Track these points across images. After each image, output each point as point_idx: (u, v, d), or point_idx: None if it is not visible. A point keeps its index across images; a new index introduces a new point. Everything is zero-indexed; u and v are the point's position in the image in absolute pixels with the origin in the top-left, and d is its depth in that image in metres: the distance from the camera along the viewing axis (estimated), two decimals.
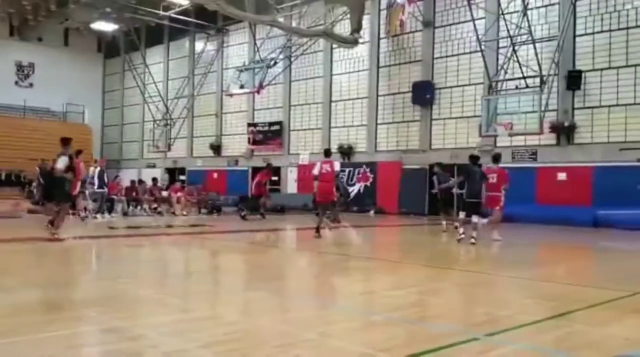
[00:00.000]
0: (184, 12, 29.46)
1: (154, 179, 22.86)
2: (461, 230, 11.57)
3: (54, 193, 11.80)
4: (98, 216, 17.30)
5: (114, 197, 19.35)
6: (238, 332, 4.47)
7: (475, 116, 20.95)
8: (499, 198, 11.89)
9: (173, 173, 32.52)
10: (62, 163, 10.81)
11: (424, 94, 22.71)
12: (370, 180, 24.44)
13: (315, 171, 12.32)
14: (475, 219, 11.38)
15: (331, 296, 6.52)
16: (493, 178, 11.86)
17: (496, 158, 12.39)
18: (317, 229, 12.17)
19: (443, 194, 14.61)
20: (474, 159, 12.13)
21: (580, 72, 18.83)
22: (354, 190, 24.75)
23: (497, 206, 12.01)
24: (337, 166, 12.62)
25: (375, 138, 24.67)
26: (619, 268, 9.12)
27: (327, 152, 13.12)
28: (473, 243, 11.01)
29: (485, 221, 12.19)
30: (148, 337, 4.22)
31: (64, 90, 35.58)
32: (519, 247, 12.30)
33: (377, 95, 24.74)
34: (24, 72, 36.05)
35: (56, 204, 11.64)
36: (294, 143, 28.00)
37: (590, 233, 15.63)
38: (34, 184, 22.42)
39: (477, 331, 4.52)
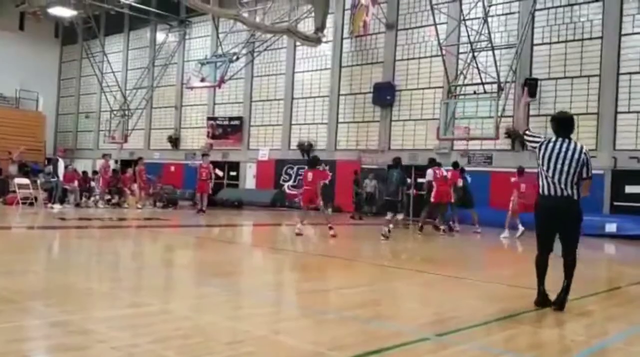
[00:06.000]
0: (146, 2, 28.93)
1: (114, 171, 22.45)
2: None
3: None
4: (49, 205, 16.90)
5: (67, 187, 18.91)
6: (189, 328, 4.42)
7: (434, 119, 21.23)
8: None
9: (129, 165, 31.92)
10: None
11: (384, 95, 22.91)
12: (329, 178, 24.47)
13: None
14: (389, 216, 12.72)
15: (284, 293, 6.51)
16: None
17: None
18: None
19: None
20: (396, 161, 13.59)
21: (536, 80, 19.30)
22: None
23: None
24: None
25: (335, 137, 24.76)
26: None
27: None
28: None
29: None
30: (96, 332, 4.13)
31: (18, 75, 34.43)
32: (469, 249, 12.52)
33: (339, 95, 24.83)
34: None
35: None
36: (253, 139, 27.85)
37: None
38: None
39: (428, 331, 4.59)
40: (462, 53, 20.19)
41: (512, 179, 15.01)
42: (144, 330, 4.26)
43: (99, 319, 4.55)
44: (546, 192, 5.53)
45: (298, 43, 24.30)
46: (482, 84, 19.00)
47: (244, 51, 25.22)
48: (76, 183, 19.61)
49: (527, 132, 5.84)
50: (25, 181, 18.34)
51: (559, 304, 5.55)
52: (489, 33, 18.86)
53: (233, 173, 28.24)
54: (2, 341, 3.76)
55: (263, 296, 6.06)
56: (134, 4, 28.35)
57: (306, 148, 25.19)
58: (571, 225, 5.64)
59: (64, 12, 29.61)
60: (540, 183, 5.58)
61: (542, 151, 5.59)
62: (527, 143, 5.85)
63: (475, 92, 19.33)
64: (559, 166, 5.49)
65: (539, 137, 5.80)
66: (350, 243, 12.99)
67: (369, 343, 4.15)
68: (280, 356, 3.80)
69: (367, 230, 15.45)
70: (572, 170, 5.48)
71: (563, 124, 5.83)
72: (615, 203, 17.93)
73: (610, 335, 5.12)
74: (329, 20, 23.78)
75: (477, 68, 18.92)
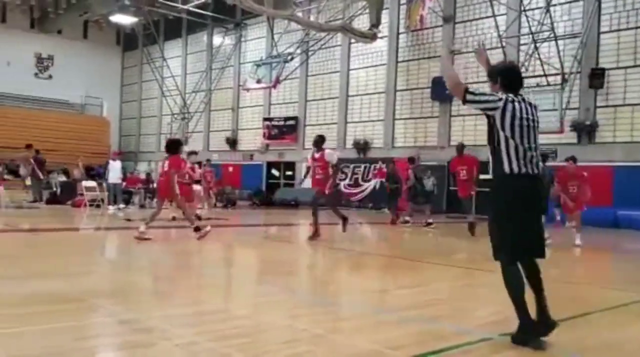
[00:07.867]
0: (202, 6, 29.50)
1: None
2: None
3: None
4: (110, 208, 17.53)
5: (132, 189, 19.55)
6: (247, 326, 4.44)
7: None
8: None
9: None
10: None
11: (443, 89, 22.42)
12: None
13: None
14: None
15: (342, 292, 6.46)
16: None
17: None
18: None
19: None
20: None
21: (603, 70, 18.49)
22: (369, 186, 24.67)
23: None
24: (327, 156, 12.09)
25: (393, 134, 24.52)
26: (638, 270, 8.95)
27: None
28: None
29: None
30: (160, 329, 4.20)
31: (83, 82, 35.87)
32: None
33: (395, 91, 24.57)
34: (43, 64, 36.37)
35: None
36: (309, 138, 27.93)
37: (610, 234, 15.39)
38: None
39: (490, 331, 4.44)
40: (523, 44, 19.62)
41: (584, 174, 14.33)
42: (204, 328, 4.31)
43: (162, 317, 4.62)
44: (521, 169, 4.10)
45: (353, 40, 24.17)
46: (545, 75, 18.41)
47: (298, 51, 25.35)
48: (140, 185, 20.26)
49: (469, 89, 4.14)
50: (92, 183, 18.98)
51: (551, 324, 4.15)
52: (552, 22, 18.23)
53: (289, 173, 28.44)
54: (68, 339, 3.87)
55: (320, 295, 6.03)
56: (191, 8, 28.96)
57: (362, 146, 25.08)
58: (541, 216, 4.46)
59: (125, 20, 30.65)
60: (505, 158, 4.12)
61: (507, 114, 4.07)
62: (475, 104, 4.15)
63: (538, 85, 18.75)
64: (531, 135, 4.13)
65: (492, 94, 4.20)
66: (410, 242, 12.83)
67: (428, 343, 4.05)
68: (338, 355, 3.75)
69: (426, 229, 15.17)
70: (538, 140, 4.21)
71: (518, 75, 4.37)
72: None
73: None
74: (384, 16, 23.54)
75: (539, 59, 18.34)
